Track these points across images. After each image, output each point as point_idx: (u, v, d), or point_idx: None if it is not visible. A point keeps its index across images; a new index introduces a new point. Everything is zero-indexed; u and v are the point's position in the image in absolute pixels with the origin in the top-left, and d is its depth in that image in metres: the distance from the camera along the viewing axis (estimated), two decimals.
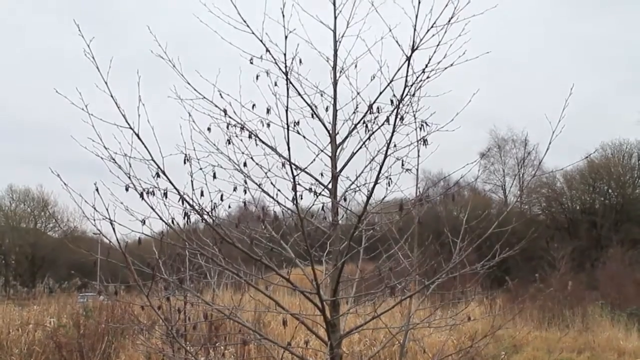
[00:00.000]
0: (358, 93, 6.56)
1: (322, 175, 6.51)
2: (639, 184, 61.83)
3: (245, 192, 6.38)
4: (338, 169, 6.50)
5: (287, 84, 5.64)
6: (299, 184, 6.10)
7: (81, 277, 28.73)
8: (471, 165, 6.40)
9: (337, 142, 6.58)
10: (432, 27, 5.34)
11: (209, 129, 6.38)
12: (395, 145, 6.16)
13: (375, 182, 5.71)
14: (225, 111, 6.40)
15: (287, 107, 5.46)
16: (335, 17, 6.49)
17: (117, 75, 5.23)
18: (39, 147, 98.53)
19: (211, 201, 5.85)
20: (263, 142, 6.45)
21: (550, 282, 30.90)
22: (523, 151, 68.97)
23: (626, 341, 21.10)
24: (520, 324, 23.77)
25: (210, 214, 5.70)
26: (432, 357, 10.34)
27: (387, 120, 6.09)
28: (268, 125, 6.46)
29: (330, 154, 6.55)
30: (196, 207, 5.47)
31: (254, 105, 6.48)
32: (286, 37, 5.47)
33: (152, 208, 5.41)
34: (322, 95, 6.62)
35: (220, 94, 6.39)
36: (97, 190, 5.16)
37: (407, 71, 5.36)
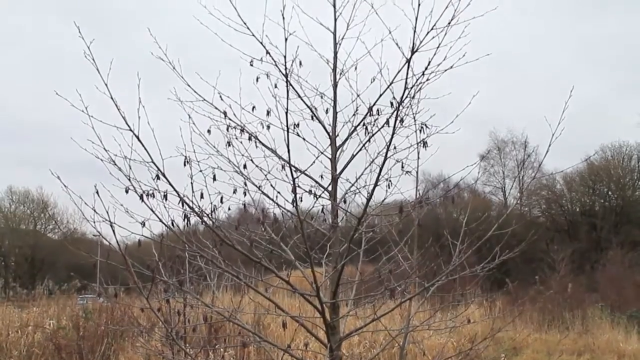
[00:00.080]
0: (358, 95, 6.57)
1: (322, 177, 6.51)
2: (639, 186, 61.84)
3: (245, 194, 6.38)
4: (338, 171, 6.50)
5: (287, 86, 5.64)
6: (298, 186, 6.09)
7: (81, 279, 28.68)
8: (471, 167, 6.42)
9: (337, 144, 6.58)
10: (432, 29, 5.36)
11: (209, 131, 6.38)
12: (395, 148, 6.16)
13: (375, 184, 5.71)
14: (225, 113, 6.41)
15: (287, 109, 5.46)
16: (335, 19, 6.50)
17: (117, 76, 5.23)
18: (39, 149, 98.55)
19: (211, 203, 5.86)
20: (263, 144, 6.45)
21: (550, 284, 30.90)
22: (523, 153, 69.08)
23: (626, 343, 21.09)
24: (520, 326, 23.73)
25: (210, 216, 5.70)
26: (431, 359, 10.33)
27: (387, 122, 6.09)
28: (268, 127, 6.47)
29: (330, 156, 6.55)
30: (196, 209, 5.47)
31: (254, 107, 6.48)
32: (286, 40, 5.48)
33: (152, 210, 5.41)
34: (322, 97, 6.63)
35: (221, 96, 6.40)
36: (97, 192, 5.16)
37: (407, 73, 5.36)
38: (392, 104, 6.06)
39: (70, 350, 15.36)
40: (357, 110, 6.58)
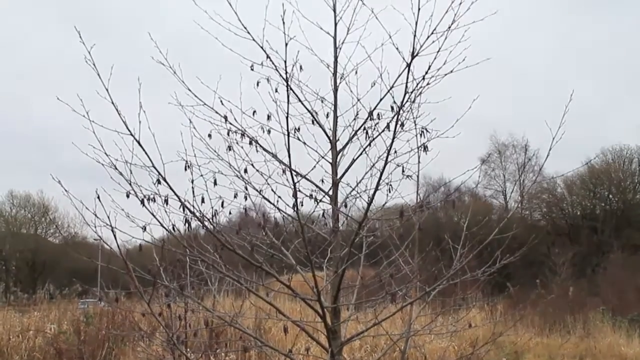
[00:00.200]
0: (358, 100, 6.57)
1: (322, 181, 6.51)
2: None
3: (245, 198, 6.38)
4: (339, 176, 6.50)
5: (287, 91, 5.64)
6: (299, 190, 6.09)
7: (82, 283, 28.70)
8: (472, 171, 6.41)
9: (338, 149, 6.58)
10: (432, 33, 5.36)
11: (209, 135, 6.38)
12: (395, 152, 6.16)
13: (376, 189, 5.72)
14: (226, 118, 6.41)
15: (287, 113, 5.46)
16: (336, 24, 6.51)
17: (117, 78, 5.25)
18: (40, 153, 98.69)
19: (212, 208, 5.86)
20: (264, 149, 6.46)
21: (551, 288, 30.91)
22: (523, 157, 69.07)
23: (627, 347, 21.07)
24: (521, 330, 23.72)
25: (211, 220, 5.70)
26: None
27: (388, 126, 6.09)
28: (269, 131, 6.47)
29: (330, 161, 6.56)
30: (197, 214, 5.47)
31: (254, 111, 6.49)
32: (286, 44, 5.49)
33: (152, 215, 5.41)
34: (322, 101, 6.63)
35: (221, 101, 6.40)
36: (98, 197, 5.17)
37: (407, 78, 5.36)
38: (392, 108, 6.07)
39: (71, 355, 15.36)
40: (357, 114, 6.58)
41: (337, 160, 6.55)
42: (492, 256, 6.38)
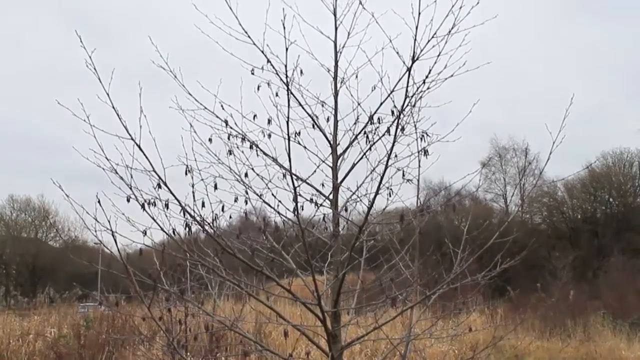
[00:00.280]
0: (359, 104, 6.58)
1: (323, 185, 6.51)
2: None
3: (246, 202, 6.38)
4: (339, 180, 6.50)
5: (288, 95, 5.65)
6: (300, 194, 6.09)
7: (82, 287, 28.67)
8: (472, 175, 6.42)
9: (338, 153, 6.58)
10: (432, 37, 5.37)
11: (210, 139, 6.39)
12: (396, 156, 6.16)
13: (376, 193, 5.72)
14: (226, 122, 6.42)
15: (288, 117, 5.46)
16: (336, 28, 6.51)
17: (117, 82, 5.25)
18: (40, 156, 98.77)
19: (212, 212, 5.85)
20: (264, 153, 6.46)
21: (551, 291, 30.84)
22: (524, 160, 69.03)
23: (628, 351, 21.02)
24: (522, 334, 23.65)
25: (211, 224, 5.70)
26: None
27: (388, 130, 6.10)
28: (269, 136, 6.48)
29: (331, 165, 6.56)
30: (197, 218, 5.47)
31: (255, 115, 6.50)
32: (287, 49, 5.50)
33: (153, 219, 5.41)
34: (323, 105, 6.65)
35: (222, 106, 6.41)
36: (99, 201, 5.17)
37: (408, 82, 5.37)
38: (392, 112, 6.08)
39: (71, 359, 15.34)
40: (358, 118, 6.60)
41: (338, 164, 6.56)
42: (493, 260, 6.37)
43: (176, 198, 5.38)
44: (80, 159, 5.36)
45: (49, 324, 19.70)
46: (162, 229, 5.49)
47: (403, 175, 6.36)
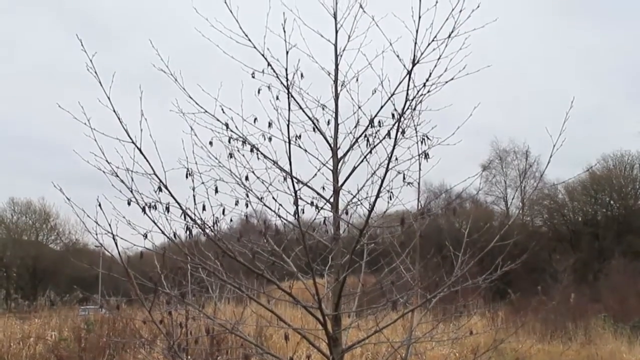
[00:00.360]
0: (359, 107, 6.58)
1: (323, 188, 6.52)
2: None
3: (247, 205, 6.39)
4: (340, 183, 6.51)
5: (288, 98, 5.65)
6: (300, 197, 6.10)
7: (83, 290, 28.67)
8: (473, 178, 6.42)
9: (339, 156, 6.59)
10: (432, 41, 5.37)
11: (210, 142, 6.40)
12: (396, 159, 6.17)
13: (377, 196, 5.72)
14: (227, 125, 6.42)
15: (288, 120, 5.47)
16: (337, 31, 6.52)
17: (118, 84, 5.26)
18: (41, 158, 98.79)
19: (213, 215, 5.86)
20: (265, 156, 6.46)
21: (552, 294, 30.80)
22: (525, 163, 68.98)
23: (629, 354, 21.01)
24: (522, 337, 23.65)
25: (212, 228, 5.71)
26: None
27: (389, 134, 6.10)
28: (270, 139, 6.48)
29: (331, 168, 6.56)
30: (198, 222, 5.47)
31: (255, 119, 6.50)
32: (287, 52, 5.51)
33: (154, 222, 5.42)
34: (323, 109, 6.65)
35: (222, 109, 6.41)
36: (99, 205, 5.18)
37: (408, 85, 5.38)
38: (393, 115, 6.09)
39: None
40: (358, 121, 6.60)
41: (338, 167, 6.56)
42: (494, 263, 6.37)
43: (177, 201, 5.39)
44: (81, 161, 5.38)
45: (49, 327, 19.71)
46: (162, 232, 5.50)
47: (404, 178, 6.37)
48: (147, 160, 5.26)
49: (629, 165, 61.99)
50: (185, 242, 5.82)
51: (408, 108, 5.66)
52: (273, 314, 6.36)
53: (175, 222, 5.52)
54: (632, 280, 36.23)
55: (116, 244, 5.38)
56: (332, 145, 6.60)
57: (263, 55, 6.11)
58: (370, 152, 6.40)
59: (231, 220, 6.50)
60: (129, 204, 5.44)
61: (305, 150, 6.62)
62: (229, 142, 6.47)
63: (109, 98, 5.13)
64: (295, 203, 5.63)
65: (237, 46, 6.19)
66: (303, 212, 6.31)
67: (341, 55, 6.57)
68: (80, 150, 5.39)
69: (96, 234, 5.33)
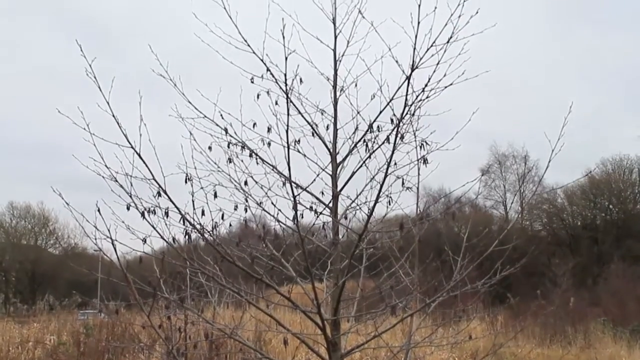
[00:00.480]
0: (358, 112, 6.59)
1: (322, 193, 6.51)
2: None
3: (246, 210, 6.38)
4: (339, 188, 6.51)
5: (287, 103, 5.67)
6: (299, 202, 6.10)
7: (81, 294, 28.64)
8: (472, 182, 6.43)
9: (338, 161, 6.59)
10: (431, 46, 5.39)
11: (210, 147, 6.40)
12: (395, 164, 6.17)
13: (376, 201, 5.72)
14: (226, 130, 6.43)
15: (287, 125, 5.49)
16: (336, 37, 6.54)
17: (118, 87, 5.27)
18: (40, 163, 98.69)
19: (212, 220, 5.86)
20: (264, 161, 6.47)
21: (552, 298, 30.80)
22: (524, 167, 69.02)
23: (629, 358, 20.98)
24: (522, 341, 23.62)
25: (211, 232, 5.71)
26: None
27: (387, 139, 6.11)
28: (269, 144, 6.48)
29: (330, 173, 6.56)
30: (197, 226, 5.48)
31: (254, 124, 6.50)
32: (286, 58, 5.52)
33: (153, 227, 5.42)
34: (322, 114, 6.66)
35: (221, 115, 6.42)
36: (98, 210, 5.18)
37: (407, 90, 5.39)
38: (392, 120, 6.09)
39: None
40: (357, 127, 6.60)
41: (337, 172, 6.56)
42: (493, 267, 6.37)
43: (176, 206, 5.40)
44: (80, 166, 5.38)
45: (48, 331, 19.66)
46: (162, 237, 5.50)
47: (403, 183, 6.37)
48: (146, 165, 5.26)
49: (628, 170, 62.10)
50: (184, 247, 5.82)
51: (407, 113, 5.67)
52: (272, 318, 6.36)
53: (174, 227, 5.53)
54: (631, 284, 36.23)
55: (115, 248, 5.39)
56: (331, 150, 6.61)
57: (262, 61, 6.13)
58: (369, 157, 6.40)
59: (230, 225, 6.50)
60: (128, 208, 5.45)
61: (304, 155, 6.63)
62: (228, 147, 6.48)
63: (108, 103, 5.14)
64: (294, 208, 5.64)
65: (236, 51, 6.21)
66: (302, 217, 6.31)
67: (340, 61, 6.59)
68: (79, 155, 5.41)
69: (95, 239, 5.35)
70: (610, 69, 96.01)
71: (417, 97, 5.73)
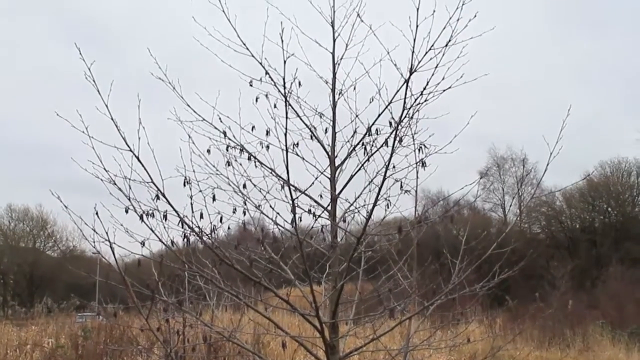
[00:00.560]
0: (357, 115, 6.60)
1: (321, 196, 6.52)
2: (639, 202, 61.80)
3: (244, 213, 6.39)
4: (337, 191, 6.51)
5: (286, 107, 5.68)
6: (298, 205, 6.11)
7: (80, 297, 28.61)
8: (471, 185, 6.44)
9: (336, 164, 6.59)
10: (430, 49, 5.40)
11: (208, 151, 6.40)
12: (394, 167, 6.18)
13: (374, 204, 5.73)
14: (224, 133, 6.43)
15: (286, 129, 5.49)
16: (334, 40, 6.54)
17: (117, 89, 5.28)
18: (39, 165, 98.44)
19: (210, 223, 5.86)
20: (262, 164, 6.47)
21: (550, 301, 30.79)
22: (522, 170, 69.01)
23: None
24: (520, 344, 23.59)
25: (209, 235, 5.71)
26: None
27: (386, 142, 6.11)
28: (267, 147, 6.49)
29: (329, 176, 6.57)
30: (196, 230, 5.48)
31: (253, 127, 6.51)
32: (285, 61, 5.53)
33: (151, 230, 5.43)
34: (321, 117, 6.66)
35: (220, 118, 6.42)
36: (96, 213, 5.19)
37: (406, 93, 5.40)
38: (390, 123, 6.10)
39: None
40: (356, 130, 6.61)
41: (336, 175, 6.56)
42: (491, 270, 6.38)
43: (174, 209, 5.40)
44: (79, 169, 5.38)
45: (46, 334, 19.64)
46: (160, 240, 5.51)
47: (401, 186, 6.38)
48: (145, 168, 5.27)
49: (626, 172, 62.09)
50: (183, 250, 5.82)
51: (405, 116, 5.68)
52: (270, 321, 6.36)
53: (172, 230, 5.54)
54: (630, 287, 36.22)
55: (113, 251, 5.39)
56: (330, 153, 6.61)
57: (261, 64, 6.14)
58: (368, 160, 6.40)
59: (229, 228, 6.50)
60: (126, 211, 5.45)
61: (303, 158, 6.63)
62: (227, 150, 6.48)
63: (107, 106, 5.15)
64: (293, 211, 5.65)
65: (235, 55, 6.22)
66: (300, 220, 6.33)
67: (339, 64, 6.59)
68: (78, 158, 5.40)
69: (94, 242, 5.34)
70: (609, 72, 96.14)
71: (415, 100, 5.74)
